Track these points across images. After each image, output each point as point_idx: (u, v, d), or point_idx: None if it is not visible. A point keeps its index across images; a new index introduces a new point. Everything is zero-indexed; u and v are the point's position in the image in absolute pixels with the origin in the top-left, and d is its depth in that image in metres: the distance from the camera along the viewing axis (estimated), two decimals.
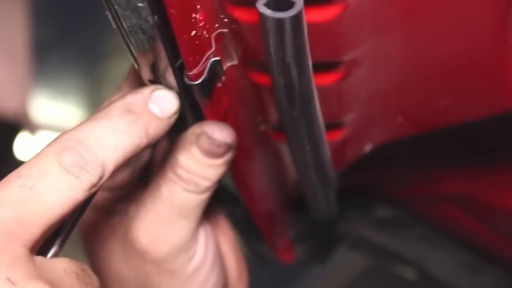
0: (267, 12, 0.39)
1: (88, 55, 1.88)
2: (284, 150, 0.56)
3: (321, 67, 0.46)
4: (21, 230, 0.41)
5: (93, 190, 0.43)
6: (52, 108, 1.87)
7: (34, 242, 0.41)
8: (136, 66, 0.46)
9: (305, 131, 0.48)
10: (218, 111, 0.50)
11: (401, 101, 0.52)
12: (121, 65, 1.89)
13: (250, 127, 0.54)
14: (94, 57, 1.88)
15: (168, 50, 0.42)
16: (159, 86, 0.46)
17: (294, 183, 0.61)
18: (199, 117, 0.49)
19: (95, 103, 1.94)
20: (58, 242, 0.44)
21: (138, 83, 0.51)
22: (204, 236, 0.54)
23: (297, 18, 0.39)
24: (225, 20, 0.44)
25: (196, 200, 0.50)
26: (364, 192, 0.71)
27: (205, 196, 0.50)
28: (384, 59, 0.48)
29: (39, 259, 0.42)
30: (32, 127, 1.85)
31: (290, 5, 0.39)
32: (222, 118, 0.51)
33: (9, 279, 0.39)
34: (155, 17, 0.40)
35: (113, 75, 1.92)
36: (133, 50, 0.45)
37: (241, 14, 0.43)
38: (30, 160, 0.43)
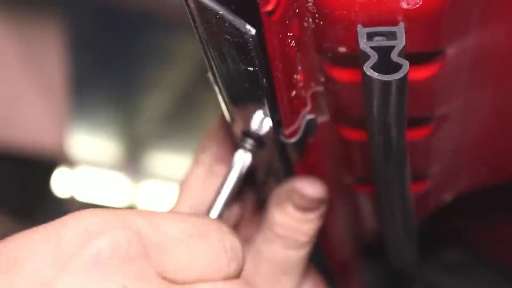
0: (375, 75, 0.39)
1: (123, 90, 1.89)
2: (364, 201, 0.56)
3: (412, 123, 0.47)
4: (159, 259, 0.40)
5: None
6: (89, 143, 1.88)
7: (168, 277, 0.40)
8: (229, 119, 0.47)
9: (397, 186, 0.48)
10: (307, 166, 0.50)
11: (487, 152, 0.53)
12: (157, 99, 1.91)
13: (334, 179, 0.54)
14: (130, 91, 1.89)
15: (271, 110, 0.43)
16: None
17: (370, 231, 0.61)
18: (289, 173, 0.50)
19: (132, 137, 1.95)
20: None
21: (222, 140, 0.52)
22: None
23: (403, 80, 0.39)
24: (322, 79, 0.45)
25: (297, 256, 0.50)
26: (432, 236, 0.71)
27: (305, 251, 0.50)
28: (472, 112, 0.49)
29: None
30: (69, 163, 1.86)
31: (397, 68, 0.39)
32: (311, 172, 0.51)
33: None
34: (264, 80, 0.41)
35: (149, 109, 1.92)
36: (230, 106, 0.45)
37: (340, 74, 0.44)
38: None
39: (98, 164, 1.92)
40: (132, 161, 1.96)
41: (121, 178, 1.94)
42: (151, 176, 1.95)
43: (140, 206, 1.94)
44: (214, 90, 0.45)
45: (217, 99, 0.46)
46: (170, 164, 2.10)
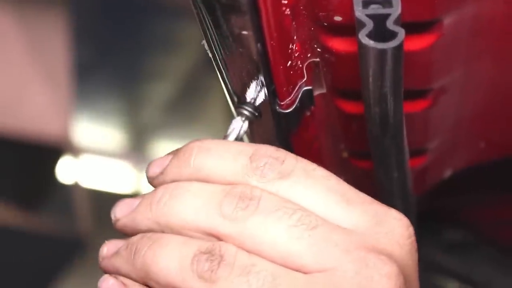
0: (370, 43, 0.39)
1: (128, 78, 1.90)
2: (364, 176, 0.56)
3: (410, 95, 0.47)
4: None
5: None
6: (93, 131, 1.89)
7: None
8: (226, 92, 0.47)
9: (394, 159, 0.48)
10: (304, 139, 0.50)
11: (485, 127, 0.52)
12: (161, 87, 1.91)
13: (332, 154, 0.54)
14: (133, 80, 1.89)
15: (266, 79, 0.43)
16: None
17: None
18: (287, 145, 0.49)
19: (136, 125, 1.95)
20: None
21: None
22: None
23: (399, 48, 0.39)
24: (318, 49, 0.45)
25: None
26: (433, 215, 0.71)
27: None
28: (471, 85, 0.49)
29: None
30: (74, 150, 1.86)
31: (392, 36, 0.39)
32: (308, 146, 0.51)
33: None
34: (258, 45, 0.40)
35: (152, 97, 1.93)
36: (225, 76, 0.45)
37: (336, 44, 0.43)
38: None
39: (102, 152, 1.93)
40: (136, 149, 1.96)
41: (125, 166, 1.94)
42: None
43: (144, 193, 1.94)
44: (217, 79, 0.45)
45: (221, 88, 0.46)
46: None
